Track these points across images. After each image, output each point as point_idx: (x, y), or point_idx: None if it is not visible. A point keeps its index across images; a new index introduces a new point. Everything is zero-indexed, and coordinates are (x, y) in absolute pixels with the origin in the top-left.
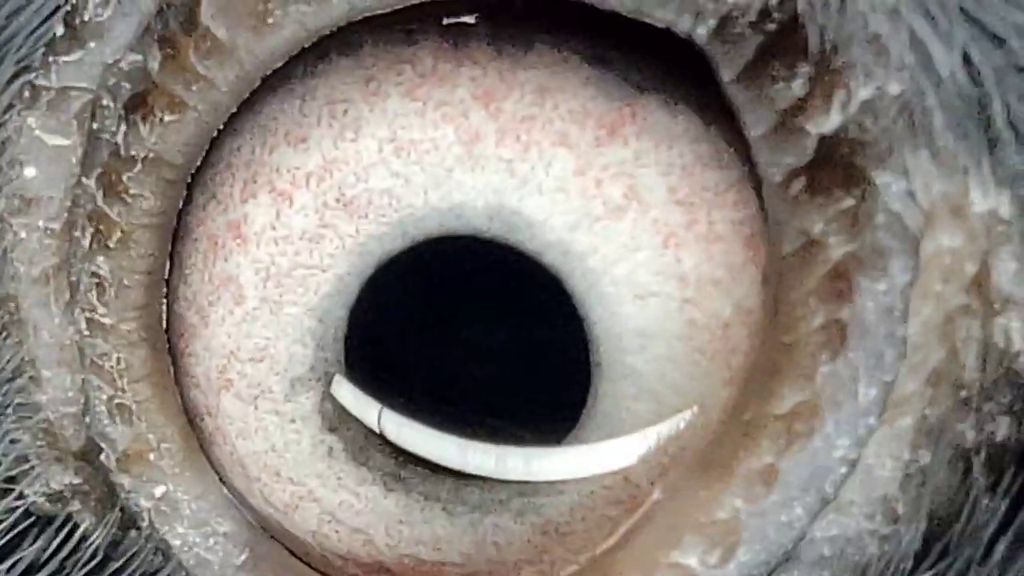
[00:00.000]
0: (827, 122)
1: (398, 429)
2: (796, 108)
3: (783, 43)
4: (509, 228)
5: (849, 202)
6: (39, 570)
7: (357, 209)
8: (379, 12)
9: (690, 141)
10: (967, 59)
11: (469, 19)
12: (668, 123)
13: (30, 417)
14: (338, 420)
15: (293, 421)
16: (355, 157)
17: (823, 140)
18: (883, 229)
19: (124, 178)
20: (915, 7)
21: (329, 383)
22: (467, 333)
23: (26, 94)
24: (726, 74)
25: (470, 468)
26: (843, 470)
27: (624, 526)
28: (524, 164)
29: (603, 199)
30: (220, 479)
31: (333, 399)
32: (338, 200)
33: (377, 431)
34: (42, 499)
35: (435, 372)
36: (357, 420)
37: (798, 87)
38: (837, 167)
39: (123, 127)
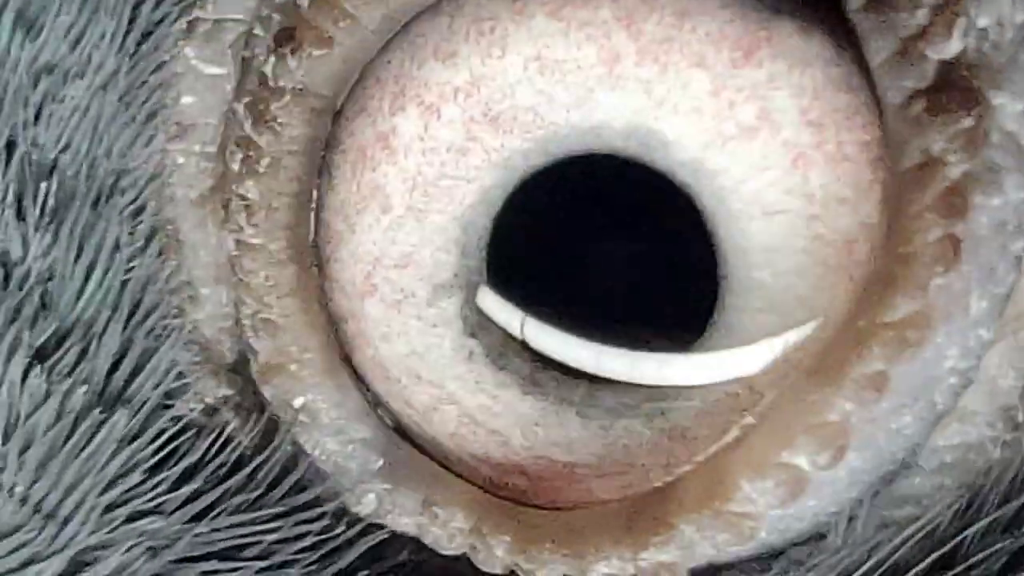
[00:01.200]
0: (947, 48)
1: (538, 336)
2: (918, 35)
3: None
4: (645, 147)
5: (968, 122)
6: (192, 477)
7: (503, 124)
8: None
9: (823, 65)
10: None
11: None
12: (802, 47)
13: (189, 334)
14: (479, 326)
15: (435, 326)
16: (501, 74)
17: (943, 64)
18: (998, 148)
19: (272, 108)
20: None
21: (471, 290)
22: (603, 247)
23: (183, 26)
24: (853, 3)
25: (605, 372)
26: (953, 380)
27: (739, 426)
28: (662, 85)
29: (736, 120)
30: (359, 387)
31: (475, 305)
32: (484, 115)
33: (519, 338)
34: (197, 412)
35: (573, 282)
36: (497, 326)
37: (921, 15)
38: (955, 89)
39: (272, 59)
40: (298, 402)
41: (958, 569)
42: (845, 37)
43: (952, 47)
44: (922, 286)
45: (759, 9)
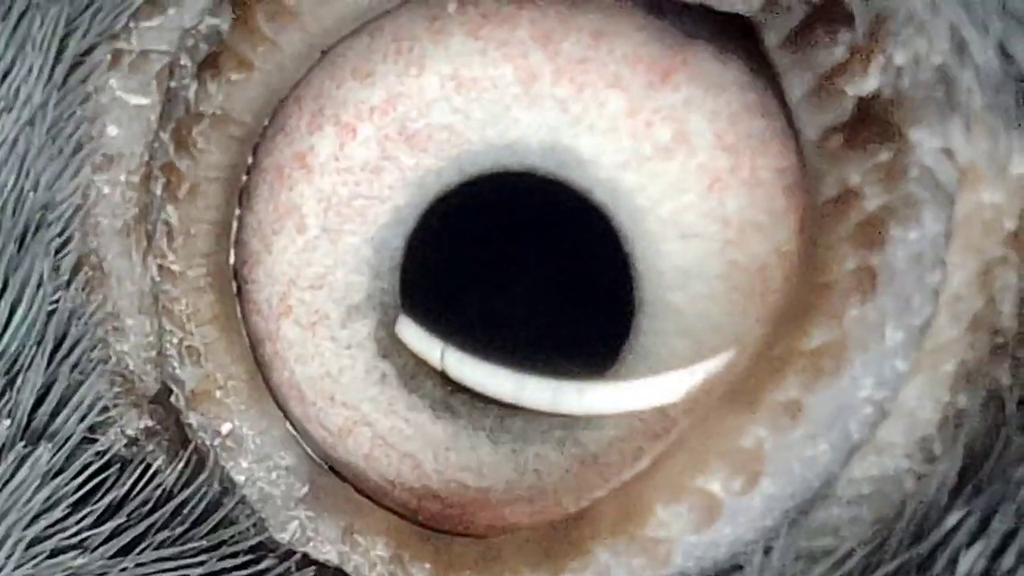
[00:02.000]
0: (865, 84)
1: (458, 366)
2: (836, 71)
3: (828, 13)
4: (561, 165)
5: (885, 156)
6: (117, 512)
7: (418, 142)
8: None
9: (738, 89)
10: (1003, 49)
11: None
12: (718, 71)
13: (112, 366)
14: (391, 348)
15: (348, 347)
16: (418, 92)
17: (861, 100)
18: (916, 182)
19: (193, 133)
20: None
21: (384, 312)
22: (519, 267)
23: (108, 58)
24: (771, 39)
25: (526, 403)
26: (868, 410)
27: (654, 452)
28: (578, 104)
29: (652, 141)
30: (283, 414)
31: (387, 327)
32: (400, 133)
33: (439, 368)
34: (120, 445)
35: (484, 302)
36: (409, 349)
37: (839, 52)
38: (874, 125)
39: (194, 84)
40: (225, 428)
41: None
42: (762, 63)
43: (869, 84)
44: (838, 316)
45: (676, 33)
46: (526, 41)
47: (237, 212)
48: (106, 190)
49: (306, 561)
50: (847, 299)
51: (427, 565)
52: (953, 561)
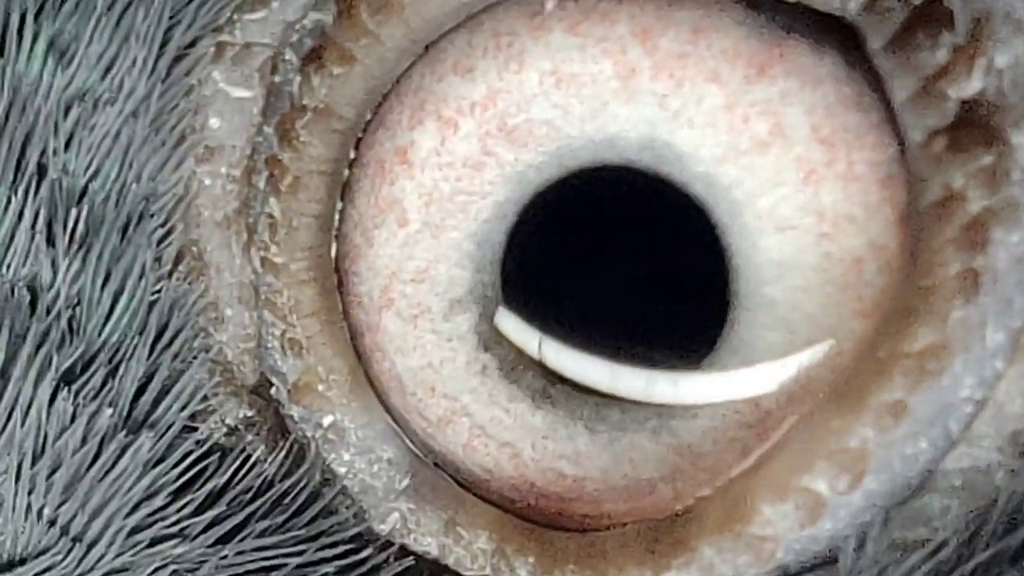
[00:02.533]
0: (968, 87)
1: (555, 356)
2: (939, 74)
3: (928, 14)
4: (659, 159)
5: (988, 159)
6: (217, 500)
7: (518, 138)
8: None
9: (834, 83)
10: None
11: None
12: (814, 64)
13: (212, 356)
14: (492, 340)
15: (450, 340)
16: (518, 88)
17: (963, 103)
18: (1018, 184)
19: (297, 127)
20: None
21: (485, 306)
22: (616, 260)
23: (212, 50)
24: (874, 43)
25: (620, 392)
26: (968, 409)
27: (758, 451)
28: (676, 99)
29: (749, 134)
30: (383, 408)
31: (488, 320)
32: (500, 129)
33: (537, 358)
34: (220, 434)
35: (585, 295)
36: (509, 341)
37: (942, 55)
38: (976, 127)
39: (298, 79)
40: (326, 421)
41: None
42: (860, 57)
43: (972, 86)
44: (942, 318)
45: (773, 27)
46: (625, 37)
47: (339, 206)
48: (207, 181)
49: (404, 553)
50: (951, 301)
51: (531, 559)
52: None
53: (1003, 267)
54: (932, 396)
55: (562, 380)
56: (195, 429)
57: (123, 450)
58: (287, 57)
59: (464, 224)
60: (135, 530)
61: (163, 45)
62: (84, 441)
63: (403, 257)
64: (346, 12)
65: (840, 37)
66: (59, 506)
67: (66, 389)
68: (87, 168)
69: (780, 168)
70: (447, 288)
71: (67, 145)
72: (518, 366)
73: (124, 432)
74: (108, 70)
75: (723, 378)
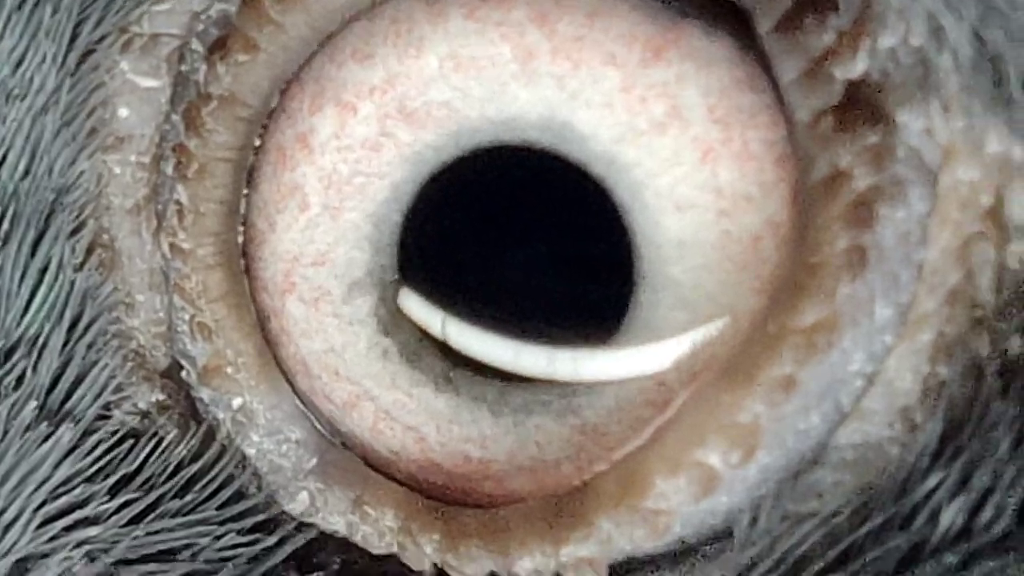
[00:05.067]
0: (853, 68)
1: (458, 335)
2: (825, 56)
3: None
4: (560, 139)
5: (873, 139)
6: (129, 483)
7: (416, 120)
8: None
9: (728, 65)
10: (977, 34)
11: None
12: (708, 48)
13: (123, 343)
14: (392, 324)
15: (351, 323)
16: (417, 72)
17: (850, 84)
18: (903, 163)
19: (203, 114)
20: None
21: (385, 288)
22: (520, 240)
23: (120, 42)
24: (763, 25)
25: (523, 369)
26: (858, 383)
27: (652, 426)
28: (574, 80)
29: (647, 115)
30: (292, 389)
31: (388, 304)
32: (399, 111)
33: (440, 337)
34: (132, 418)
35: (485, 276)
36: (411, 324)
37: (828, 37)
38: (862, 107)
39: (204, 67)
40: (236, 403)
41: (856, 564)
42: (748, 42)
43: (857, 68)
44: (830, 293)
45: (667, 11)
46: (523, 22)
47: (245, 192)
48: (117, 170)
49: (314, 532)
50: (839, 277)
51: (435, 536)
52: (934, 517)
53: (889, 243)
54: (822, 371)
55: (464, 364)
56: (109, 417)
57: (42, 440)
58: (193, 47)
59: (362, 205)
60: (49, 513)
61: (72, 40)
62: (6, 431)
63: (304, 241)
64: (250, 1)
65: (732, 20)
66: None
67: None
68: (2, 163)
69: (678, 148)
70: (346, 271)
71: None
72: (419, 350)
73: (43, 422)
74: (18, 65)
75: (622, 355)
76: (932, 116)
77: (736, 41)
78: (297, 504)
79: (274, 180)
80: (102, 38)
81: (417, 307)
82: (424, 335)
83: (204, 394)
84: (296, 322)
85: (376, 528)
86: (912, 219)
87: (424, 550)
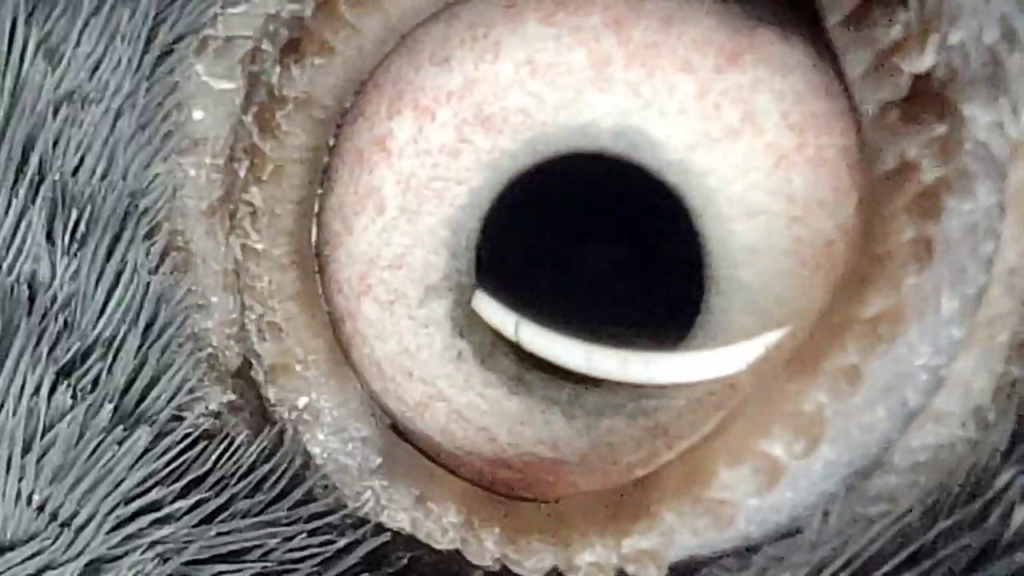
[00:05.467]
0: (921, 62)
1: (532, 338)
2: (893, 49)
3: None
4: (633, 147)
5: (941, 130)
6: (201, 483)
7: (493, 126)
8: None
9: (803, 71)
10: None
11: None
12: (783, 53)
13: (198, 345)
14: (467, 326)
15: (426, 326)
16: (494, 77)
17: (916, 78)
18: (970, 156)
19: (277, 116)
20: None
21: (460, 292)
22: (592, 246)
23: (195, 44)
24: (832, 18)
25: (595, 371)
26: (925, 377)
27: (718, 416)
28: (648, 87)
29: (721, 122)
30: (358, 388)
31: (463, 307)
32: (476, 117)
33: (514, 340)
34: (205, 420)
35: (562, 281)
36: (485, 327)
37: (896, 31)
38: (929, 101)
39: (278, 69)
40: (302, 402)
41: (927, 564)
42: (824, 46)
43: (925, 61)
44: (895, 284)
45: (742, 17)
46: (598, 27)
47: (319, 192)
48: (192, 172)
49: (380, 529)
50: (905, 268)
51: (496, 529)
52: (1006, 516)
53: (956, 235)
54: (887, 363)
55: (538, 366)
56: (182, 419)
57: (119, 442)
58: (265, 48)
59: (440, 210)
60: (122, 515)
61: (147, 43)
62: (82, 433)
63: (381, 244)
64: (324, 4)
65: (807, 26)
66: (48, 493)
67: (64, 382)
68: (79, 166)
69: (751, 154)
70: (423, 274)
71: (56, 144)
72: (494, 352)
73: (119, 425)
74: (95, 69)
75: (693, 358)
76: (1001, 112)
77: (810, 47)
78: (363, 503)
79: (351, 183)
80: (177, 41)
81: (491, 310)
82: (498, 338)
83: (271, 393)
84: (371, 324)
85: (439, 524)
86: (979, 211)
87: (486, 545)
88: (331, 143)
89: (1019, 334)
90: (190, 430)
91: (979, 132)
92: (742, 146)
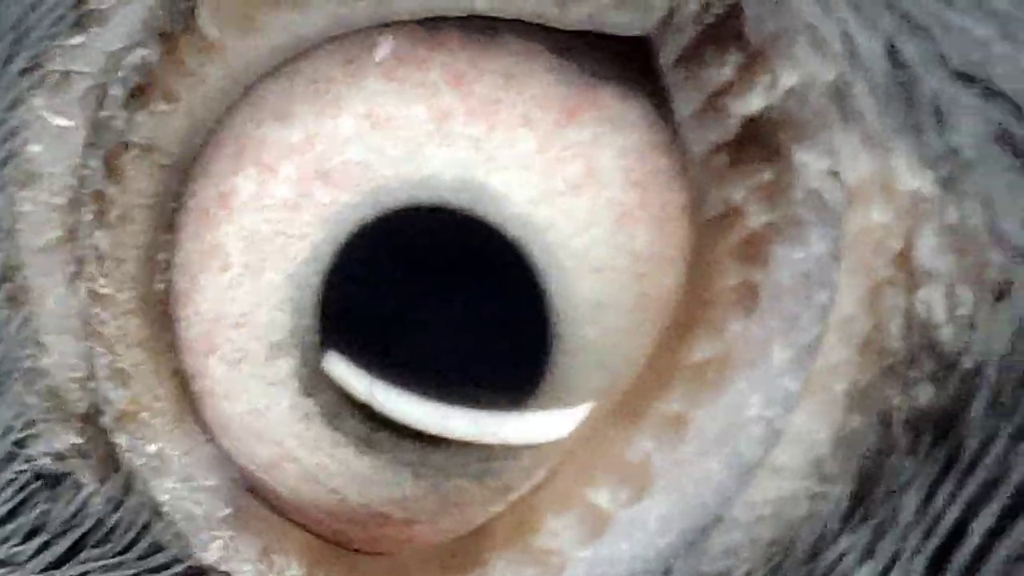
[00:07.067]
0: (750, 104)
1: (385, 398)
2: (723, 90)
3: (720, 32)
4: (476, 200)
5: (768, 175)
6: (42, 530)
7: (334, 180)
8: (362, 28)
9: (644, 128)
10: (892, 48)
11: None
12: (624, 110)
13: (36, 381)
14: (314, 386)
15: (273, 384)
16: (334, 132)
17: (746, 120)
18: (801, 203)
19: (122, 161)
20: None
21: (306, 350)
22: (439, 302)
23: (35, 76)
24: (664, 59)
25: (450, 432)
26: (758, 429)
27: (549, 464)
28: (490, 142)
29: (563, 177)
30: (207, 438)
31: (310, 365)
32: (317, 171)
33: (366, 400)
34: (47, 459)
35: (411, 338)
36: (333, 386)
37: (727, 71)
38: (758, 144)
39: (124, 114)
40: (151, 449)
41: None
42: (665, 102)
43: (754, 103)
44: (719, 329)
45: (583, 73)
46: (439, 82)
47: (163, 254)
48: (28, 207)
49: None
50: (728, 314)
51: None
52: None
53: (787, 283)
54: (716, 412)
55: (386, 426)
56: (16, 457)
57: None
58: (113, 92)
59: (283, 266)
60: None
61: None
62: None
63: (226, 301)
64: (170, 50)
65: (648, 83)
66: None
67: None
68: None
69: (593, 210)
70: (268, 332)
71: None
72: (341, 412)
73: None
74: None
75: (545, 418)
76: (841, 155)
77: (651, 104)
78: (210, 553)
79: (196, 239)
80: (14, 71)
81: (343, 370)
82: (346, 397)
83: (120, 439)
84: (219, 382)
85: None
86: (811, 260)
87: None
88: (177, 190)
89: (858, 383)
90: (26, 469)
91: (812, 178)
92: (584, 201)
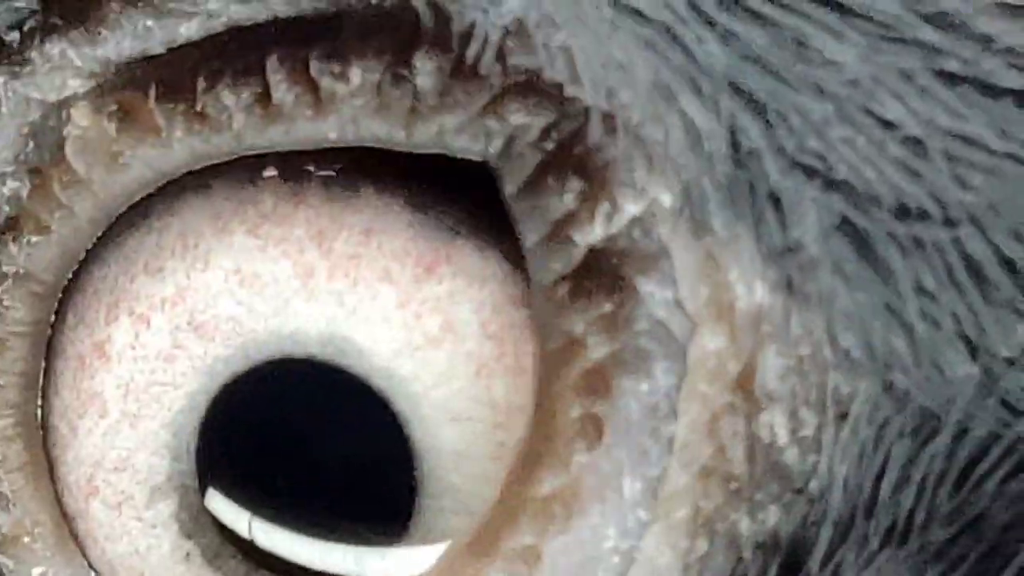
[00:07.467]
0: (593, 233)
1: (265, 535)
2: (566, 219)
3: (560, 160)
4: (341, 353)
5: (608, 307)
6: None
7: (206, 332)
8: (220, 161)
9: (500, 282)
10: (733, 135)
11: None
12: (480, 265)
13: None
14: (194, 527)
15: (154, 527)
16: (204, 286)
17: (591, 250)
18: (646, 334)
19: None
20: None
21: (185, 493)
22: (313, 446)
23: None
24: (508, 188)
25: (330, 568)
26: (615, 560)
27: None
28: (352, 296)
29: (422, 330)
30: (88, 562)
31: (190, 507)
32: (189, 323)
33: (248, 538)
34: None
35: (286, 481)
36: (213, 527)
37: (569, 200)
38: (600, 274)
39: None
40: (35, 572)
41: None
42: (520, 256)
43: (596, 233)
44: (565, 463)
45: (440, 229)
46: (302, 239)
47: (43, 364)
48: None
49: None
50: (572, 446)
51: None
52: None
53: (634, 416)
54: (569, 544)
55: (266, 565)
56: None
57: None
58: None
59: (160, 414)
60: None
61: None
62: None
63: (106, 446)
64: (40, 184)
65: (504, 238)
66: None
67: None
68: None
69: (453, 363)
70: (147, 476)
71: None
72: (221, 552)
73: None
74: None
75: (409, 554)
76: (680, 283)
77: (506, 258)
78: None
79: (74, 387)
80: None
81: (224, 509)
82: (225, 538)
83: (6, 562)
84: (101, 525)
85: None
86: (659, 392)
87: None
88: (52, 318)
89: (702, 509)
90: None
91: (656, 309)
92: (443, 354)
